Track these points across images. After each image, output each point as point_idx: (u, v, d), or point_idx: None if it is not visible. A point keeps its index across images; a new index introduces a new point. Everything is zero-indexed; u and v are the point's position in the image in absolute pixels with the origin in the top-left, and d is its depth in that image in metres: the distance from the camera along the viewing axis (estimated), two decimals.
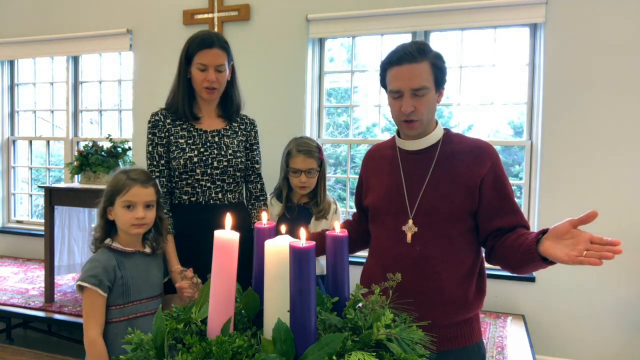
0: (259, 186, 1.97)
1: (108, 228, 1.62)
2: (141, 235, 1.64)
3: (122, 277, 1.55)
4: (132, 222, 1.56)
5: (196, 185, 1.80)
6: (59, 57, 4.07)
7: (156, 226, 1.66)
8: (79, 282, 1.50)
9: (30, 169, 4.39)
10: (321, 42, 3.37)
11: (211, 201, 1.82)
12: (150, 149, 1.81)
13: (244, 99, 1.96)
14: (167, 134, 1.81)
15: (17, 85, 4.30)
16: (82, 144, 3.58)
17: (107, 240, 1.60)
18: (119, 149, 3.06)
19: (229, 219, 0.85)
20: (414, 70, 1.29)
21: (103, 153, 3.03)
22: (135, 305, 1.58)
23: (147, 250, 1.65)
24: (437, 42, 3.17)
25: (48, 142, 4.25)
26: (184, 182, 1.80)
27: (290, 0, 3.27)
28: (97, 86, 4.06)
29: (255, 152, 1.95)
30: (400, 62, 1.30)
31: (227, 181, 1.84)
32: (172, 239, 1.77)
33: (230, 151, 1.84)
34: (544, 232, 1.15)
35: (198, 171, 1.79)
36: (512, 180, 3.04)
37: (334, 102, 4.12)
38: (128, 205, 1.56)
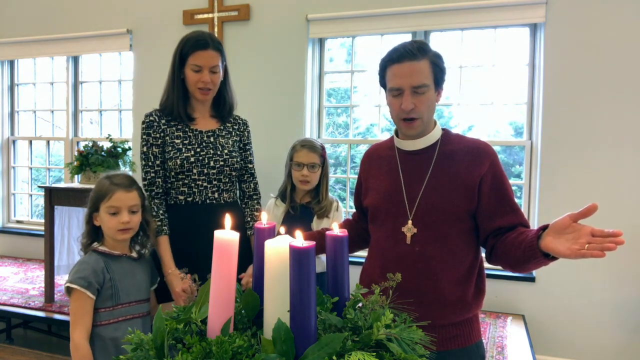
0: (252, 185, 1.98)
1: (94, 233, 1.62)
2: (128, 239, 1.64)
3: (110, 280, 1.54)
4: (118, 227, 1.56)
5: (193, 185, 1.80)
6: (59, 57, 4.07)
7: (143, 229, 1.66)
8: (68, 284, 1.49)
9: (30, 169, 4.39)
10: (321, 42, 3.37)
11: (207, 201, 1.82)
12: (145, 149, 1.80)
13: (237, 99, 1.96)
14: (162, 134, 1.80)
15: (17, 85, 4.30)
16: (82, 144, 3.58)
17: (94, 244, 1.60)
18: (119, 149, 3.06)
19: (228, 219, 0.85)
20: (415, 68, 1.29)
21: (103, 153, 3.02)
22: (125, 308, 1.58)
23: (134, 254, 1.65)
24: (437, 42, 3.17)
25: (48, 142, 4.25)
26: (180, 183, 1.80)
27: (290, 0, 3.27)
28: (97, 86, 4.06)
29: (248, 152, 1.96)
30: (401, 59, 1.30)
31: (223, 181, 1.85)
32: (166, 241, 1.76)
33: (226, 151, 1.84)
34: (544, 227, 1.15)
35: (195, 171, 1.78)
36: (513, 181, 3.04)
37: (334, 102, 4.13)
38: (113, 211, 1.56)
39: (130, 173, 2.44)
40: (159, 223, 1.75)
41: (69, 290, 1.51)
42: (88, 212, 1.60)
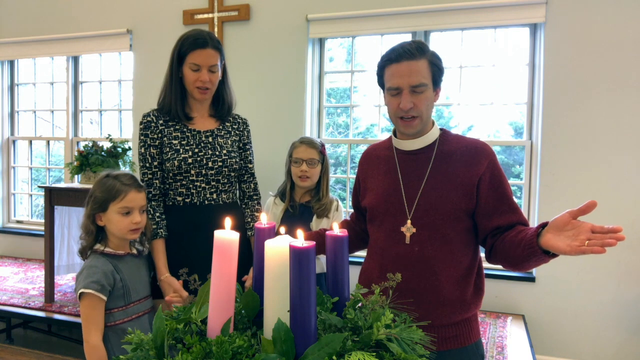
0: (252, 186, 1.96)
1: (97, 234, 1.61)
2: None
3: (121, 280, 1.56)
4: (130, 227, 1.56)
5: (191, 186, 1.78)
6: (59, 57, 4.07)
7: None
8: (82, 290, 1.49)
9: (30, 169, 4.39)
10: (321, 42, 3.36)
11: (206, 202, 1.80)
12: (142, 150, 1.78)
13: (236, 98, 1.95)
14: (159, 135, 1.78)
15: (17, 85, 4.30)
16: (82, 144, 3.58)
17: (98, 246, 1.59)
18: (119, 149, 3.06)
19: (228, 221, 0.85)
20: (413, 67, 1.29)
21: (103, 153, 3.03)
22: (136, 305, 1.60)
23: (135, 251, 1.66)
24: (437, 42, 3.17)
25: (48, 142, 4.25)
26: (178, 183, 1.78)
27: (290, 0, 3.27)
28: (97, 86, 4.06)
29: (248, 152, 1.94)
30: (399, 59, 1.30)
31: (221, 181, 1.83)
32: (161, 244, 1.74)
33: (224, 151, 1.82)
34: (544, 225, 1.15)
35: (193, 172, 1.76)
36: (512, 181, 3.04)
37: (334, 102, 4.12)
38: (126, 211, 1.56)
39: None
40: (155, 226, 1.74)
41: (80, 295, 1.51)
42: (91, 213, 1.58)
